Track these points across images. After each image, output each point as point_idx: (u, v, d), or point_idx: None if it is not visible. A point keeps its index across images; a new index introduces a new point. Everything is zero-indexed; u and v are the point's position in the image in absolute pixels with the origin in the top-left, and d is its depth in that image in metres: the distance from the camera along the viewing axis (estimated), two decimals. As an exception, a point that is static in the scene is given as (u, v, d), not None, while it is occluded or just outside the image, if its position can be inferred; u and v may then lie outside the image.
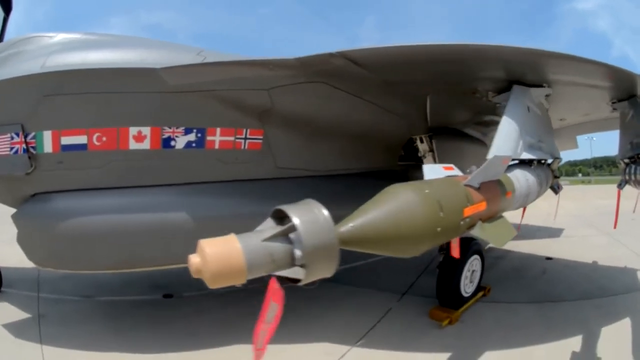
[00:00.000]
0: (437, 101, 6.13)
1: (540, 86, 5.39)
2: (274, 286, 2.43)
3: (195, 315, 6.29)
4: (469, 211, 3.26)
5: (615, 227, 8.64)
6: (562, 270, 9.33)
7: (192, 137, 4.58)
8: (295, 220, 2.26)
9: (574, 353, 5.25)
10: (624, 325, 6.15)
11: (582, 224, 15.85)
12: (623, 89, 5.95)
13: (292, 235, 2.26)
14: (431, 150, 6.88)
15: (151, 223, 4.51)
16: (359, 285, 7.99)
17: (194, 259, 2.03)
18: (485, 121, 7.66)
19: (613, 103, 6.48)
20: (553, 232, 14.26)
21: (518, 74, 5.09)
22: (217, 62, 4.47)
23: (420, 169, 8.15)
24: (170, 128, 4.47)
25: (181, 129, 4.51)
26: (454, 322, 5.93)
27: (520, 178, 4.40)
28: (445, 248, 6.68)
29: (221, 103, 4.70)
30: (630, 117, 6.05)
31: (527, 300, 7.00)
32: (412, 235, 2.78)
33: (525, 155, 4.68)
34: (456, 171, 4.02)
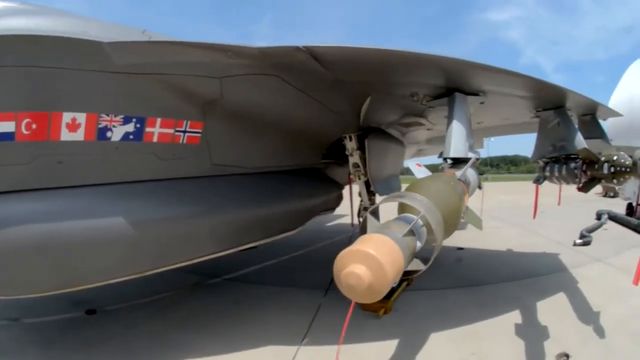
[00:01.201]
0: (376, 101, 6.49)
1: (477, 94, 6.04)
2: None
3: (126, 330, 6.03)
4: (466, 200, 3.76)
5: (535, 217, 10.25)
6: (477, 258, 10.65)
7: (130, 127, 4.15)
8: (425, 212, 2.51)
9: (517, 325, 6.16)
10: (560, 299, 7.39)
11: (489, 217, 17.36)
12: (552, 101, 6.97)
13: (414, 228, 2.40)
14: (359, 148, 7.22)
15: (86, 231, 3.96)
16: (279, 284, 8.43)
17: (357, 270, 1.96)
18: (408, 122, 8.31)
19: (538, 111, 7.54)
20: (462, 226, 16.03)
21: (458, 82, 5.65)
22: (172, 41, 4.18)
23: (339, 166, 8.90)
24: (107, 116, 4.02)
25: (120, 118, 4.10)
26: (389, 312, 6.56)
27: (472, 174, 5.04)
28: None
29: (166, 90, 4.39)
30: (555, 123, 7.12)
31: (452, 286, 7.95)
32: (457, 219, 3.26)
33: (470, 155, 5.24)
34: (424, 168, 4.77)
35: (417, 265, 2.54)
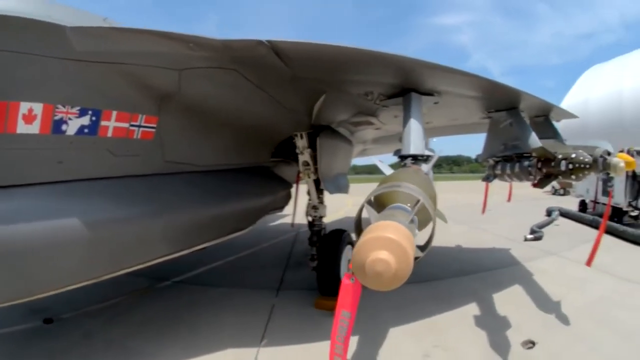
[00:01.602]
0: (330, 100, 6.56)
1: (432, 94, 6.30)
2: (348, 286, 2.59)
3: (85, 340, 5.89)
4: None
5: (484, 213, 10.73)
6: (428, 254, 11.08)
7: (86, 120, 3.97)
8: (423, 200, 2.73)
9: (476, 316, 6.56)
10: (517, 291, 7.92)
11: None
12: (505, 102, 7.43)
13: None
14: (310, 147, 7.29)
15: (40, 235, 3.72)
16: (229, 285, 8.54)
17: (383, 256, 1.99)
18: (358, 121, 8.51)
19: (490, 112, 8.01)
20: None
21: (414, 82, 5.87)
22: (136, 29, 4.00)
23: (287, 164, 9.07)
24: (64, 107, 3.81)
25: (76, 110, 3.90)
26: None
27: (430, 172, 5.32)
28: (317, 240, 7.77)
29: (124, 80, 4.26)
30: (507, 124, 7.59)
31: (407, 281, 8.26)
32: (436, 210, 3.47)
33: (427, 153, 5.46)
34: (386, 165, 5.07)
35: (417, 252, 2.67)
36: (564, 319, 6.50)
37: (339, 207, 21.61)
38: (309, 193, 8.10)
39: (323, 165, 7.31)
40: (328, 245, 7.50)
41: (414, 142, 5.25)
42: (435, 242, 9.63)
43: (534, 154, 6.64)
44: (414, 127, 5.42)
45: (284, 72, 5.10)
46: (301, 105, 6.59)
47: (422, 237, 3.25)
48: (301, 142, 7.26)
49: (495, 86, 6.45)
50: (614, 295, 7.63)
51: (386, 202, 3.08)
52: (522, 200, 25.08)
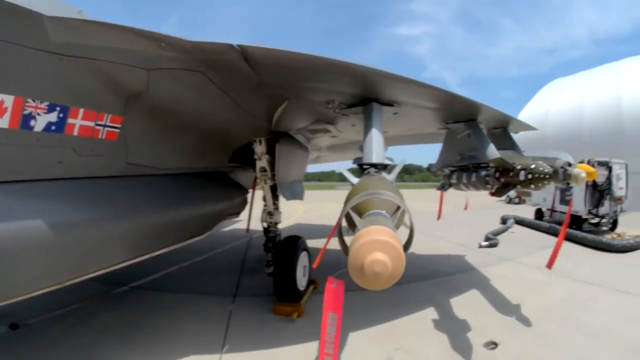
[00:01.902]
0: (291, 106, 6.75)
1: (392, 105, 6.59)
2: (332, 290, 2.74)
3: (52, 348, 5.81)
4: None
5: (439, 219, 11.09)
6: None
7: (53, 116, 3.88)
8: (404, 207, 3.06)
9: (435, 320, 6.88)
10: (474, 295, 8.32)
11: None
12: (464, 114, 7.87)
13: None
14: (268, 152, 7.43)
15: (6, 236, 3.54)
16: (186, 291, 8.64)
17: (380, 258, 2.18)
18: (316, 129, 8.74)
19: (448, 123, 8.45)
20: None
21: (376, 92, 6.16)
22: (112, 24, 3.97)
23: (243, 170, 9.26)
24: (34, 101, 3.69)
25: (45, 105, 3.79)
26: (302, 315, 7.02)
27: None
28: (272, 247, 8.00)
29: (95, 77, 4.22)
30: (465, 135, 8.05)
31: (360, 287, 8.49)
32: None
33: (387, 162, 5.76)
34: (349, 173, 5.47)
35: None
36: (526, 321, 6.90)
37: (290, 214, 21.88)
38: (264, 199, 8.22)
39: (281, 172, 7.50)
40: (284, 251, 7.65)
41: (376, 151, 5.54)
42: None
43: (491, 164, 7.07)
44: (376, 137, 5.71)
45: (250, 77, 5.26)
46: (263, 111, 6.76)
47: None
48: (260, 148, 7.38)
49: (454, 98, 6.83)
50: (575, 298, 8.16)
51: (367, 208, 3.30)
52: (477, 208, 26.14)
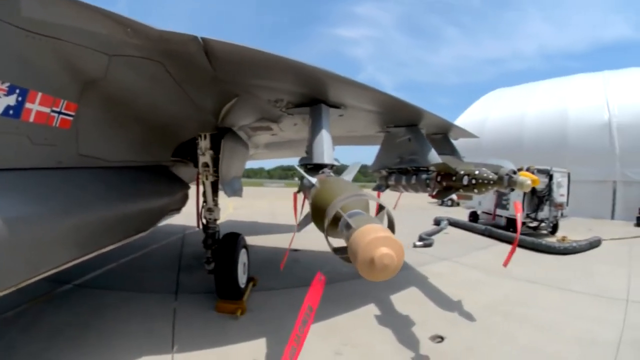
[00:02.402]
0: (240, 103, 6.90)
1: (338, 107, 6.94)
2: (318, 284, 2.97)
3: (9, 352, 5.62)
4: None
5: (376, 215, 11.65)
6: (316, 259, 12.09)
7: (12, 99, 3.63)
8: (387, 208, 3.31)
9: (378, 316, 7.36)
10: (414, 292, 8.89)
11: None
12: (406, 119, 8.42)
13: None
14: (211, 148, 7.54)
15: None
16: (128, 289, 8.70)
17: (387, 252, 2.47)
18: (258, 126, 8.91)
19: (389, 127, 8.97)
20: (288, 228, 17.22)
21: (325, 94, 6.45)
22: (85, 3, 3.75)
23: (184, 165, 9.47)
24: None
25: (5, 86, 3.55)
26: (245, 312, 7.30)
27: None
28: (212, 244, 8.13)
29: (57, 58, 4.07)
30: (405, 139, 8.63)
31: (297, 285, 9.05)
32: None
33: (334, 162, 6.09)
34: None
35: None
36: (469, 316, 7.49)
37: (222, 210, 21.53)
38: (204, 195, 8.33)
39: (224, 168, 7.64)
40: (225, 249, 7.84)
41: (327, 152, 5.90)
42: (322, 248, 10.75)
43: (432, 169, 7.76)
44: (326, 138, 6.05)
45: (206, 71, 5.41)
46: (212, 107, 6.91)
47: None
48: (204, 143, 7.49)
49: (400, 104, 7.35)
50: (517, 294, 8.96)
51: (351, 208, 3.49)
52: (409, 209, 27.58)
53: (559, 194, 18.56)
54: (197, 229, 9.38)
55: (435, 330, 6.76)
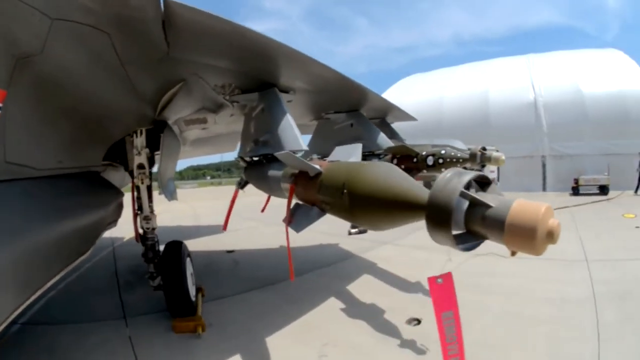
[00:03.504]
0: (184, 90, 6.15)
1: (287, 92, 6.66)
2: (437, 288, 2.76)
3: None
4: None
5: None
6: (254, 259, 11.88)
7: None
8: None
9: (344, 308, 7.65)
10: (369, 280, 9.02)
11: (241, 219, 18.57)
12: (349, 104, 8.33)
13: None
14: (147, 146, 6.87)
15: None
16: (76, 319, 7.83)
17: (557, 220, 2.23)
18: (194, 119, 8.31)
19: (327, 113, 8.89)
20: (214, 229, 17.10)
21: (275, 75, 6.14)
22: None
23: (114, 169, 8.44)
24: None
25: None
26: (205, 328, 6.77)
27: None
28: (154, 256, 7.44)
29: None
30: (346, 125, 8.70)
31: (248, 288, 8.83)
32: None
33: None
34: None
35: None
36: None
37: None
38: (139, 202, 7.49)
39: (163, 168, 7.07)
40: (169, 261, 7.22)
41: (300, 138, 5.57)
42: (256, 245, 12.07)
43: (389, 152, 7.79)
44: (293, 123, 5.72)
45: (158, 47, 4.65)
46: (153, 95, 6.09)
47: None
48: (140, 141, 6.75)
49: (349, 85, 7.24)
50: (474, 268, 9.33)
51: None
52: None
53: (489, 170, 19.30)
54: (125, 240, 8.93)
55: (408, 313, 6.79)
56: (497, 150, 7.88)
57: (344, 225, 15.32)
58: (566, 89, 30.92)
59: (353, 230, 14.99)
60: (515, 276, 8.61)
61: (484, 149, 7.15)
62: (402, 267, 9.70)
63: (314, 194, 4.06)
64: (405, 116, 11.03)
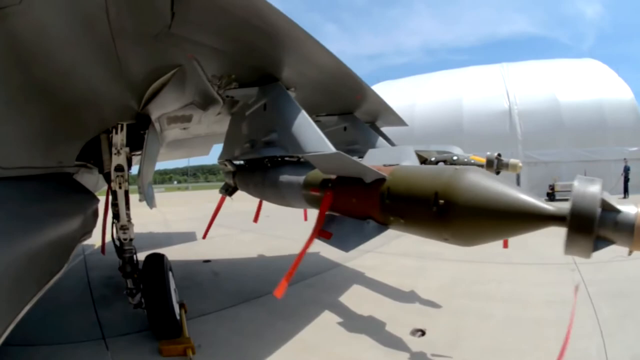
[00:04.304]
0: (177, 79, 5.33)
1: (289, 88, 6.08)
2: None
3: None
4: None
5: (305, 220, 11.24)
6: (233, 269, 11.22)
7: None
8: None
9: (341, 322, 7.02)
10: (359, 290, 8.66)
11: (213, 225, 18.82)
12: (342, 106, 7.98)
13: None
14: (127, 145, 6.03)
15: None
16: (53, 340, 6.95)
17: None
18: (178, 116, 7.42)
19: (318, 115, 8.38)
20: (187, 237, 16.40)
21: (280, 67, 5.64)
22: None
23: (88, 171, 7.40)
24: None
25: None
26: (195, 349, 6.07)
27: None
28: (133, 271, 6.64)
29: None
30: (340, 129, 8.43)
31: (234, 302, 8.16)
32: None
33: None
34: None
35: None
36: (431, 303, 7.43)
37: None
38: (115, 209, 6.56)
39: (145, 171, 6.13)
40: (152, 277, 6.43)
41: (325, 139, 5.02)
42: (234, 255, 11.18)
43: None
44: (311, 121, 5.21)
45: (160, 18, 3.92)
46: (141, 81, 5.17)
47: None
48: (119, 138, 5.82)
49: (353, 84, 6.89)
50: (464, 275, 9.12)
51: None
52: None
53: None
54: (96, 247, 8.18)
55: (409, 324, 6.51)
56: (501, 156, 7.81)
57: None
58: (542, 97, 32.26)
59: None
60: (510, 282, 8.62)
61: (500, 155, 7.10)
62: (392, 276, 9.32)
63: (373, 205, 3.55)
64: (396, 120, 10.64)
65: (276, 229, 16.91)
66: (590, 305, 7.06)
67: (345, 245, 4.01)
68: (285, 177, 4.88)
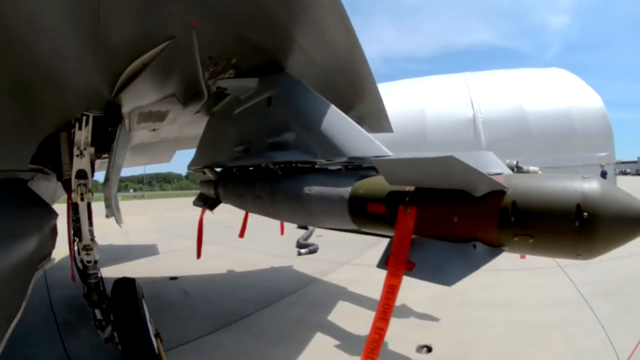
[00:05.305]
0: (164, 58, 4.27)
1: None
2: None
3: None
4: None
5: (282, 235, 10.57)
6: (204, 287, 10.37)
7: None
8: None
9: (338, 345, 6.58)
10: (346, 307, 8.32)
11: (170, 237, 18.26)
12: (340, 107, 7.30)
13: None
14: (92, 143, 4.80)
15: None
16: None
17: None
18: (151, 112, 6.14)
19: None
20: (148, 250, 15.43)
21: (291, 55, 4.85)
22: None
23: (44, 177, 5.76)
24: None
25: None
26: None
27: None
28: (101, 299, 5.63)
29: None
30: None
31: (214, 328, 7.30)
32: None
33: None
34: None
35: None
36: (429, 317, 7.24)
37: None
38: (77, 224, 5.39)
39: (114, 177, 5.15)
40: (124, 307, 5.38)
41: (373, 139, 4.14)
42: (200, 269, 10.03)
43: None
44: (348, 117, 4.37)
45: None
46: (121, 55, 4.05)
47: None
48: (84, 134, 4.64)
49: (362, 75, 6.21)
50: (457, 285, 8.58)
51: None
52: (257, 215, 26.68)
53: None
54: (56, 262, 7.43)
55: (413, 340, 6.27)
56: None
57: (290, 244, 14.77)
58: (507, 106, 33.24)
59: (303, 251, 14.00)
60: (502, 288, 8.63)
61: (518, 163, 6.87)
62: (377, 290, 8.57)
63: (487, 224, 2.85)
64: (387, 127, 9.83)
65: (241, 241, 16.32)
66: (587, 305, 7.38)
67: (446, 277, 3.05)
68: (315, 189, 3.96)
